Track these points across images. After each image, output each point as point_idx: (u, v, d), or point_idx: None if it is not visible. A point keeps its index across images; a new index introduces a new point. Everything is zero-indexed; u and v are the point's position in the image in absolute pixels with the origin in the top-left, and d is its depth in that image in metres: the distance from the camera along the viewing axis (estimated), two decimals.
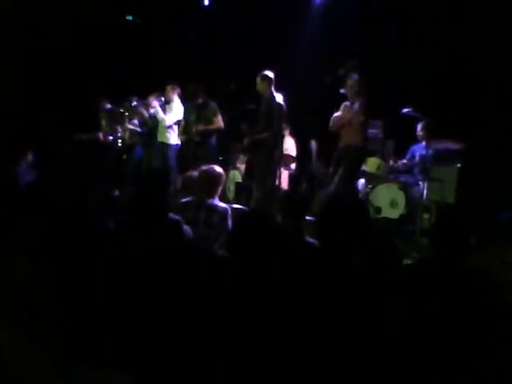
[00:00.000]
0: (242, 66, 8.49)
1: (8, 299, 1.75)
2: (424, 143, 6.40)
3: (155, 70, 8.62)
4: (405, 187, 6.38)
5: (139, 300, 2.36)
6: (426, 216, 6.10)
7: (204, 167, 4.26)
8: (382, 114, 6.70)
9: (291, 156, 7.64)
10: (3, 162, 4.90)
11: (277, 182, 6.17)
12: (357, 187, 6.41)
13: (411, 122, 6.42)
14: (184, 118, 7.40)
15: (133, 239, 2.72)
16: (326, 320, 1.99)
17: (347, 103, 6.02)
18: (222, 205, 4.06)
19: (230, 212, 4.03)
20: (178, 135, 7.43)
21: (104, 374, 1.77)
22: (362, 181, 6.61)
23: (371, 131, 6.45)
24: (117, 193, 5.04)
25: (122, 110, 8.11)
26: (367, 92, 5.92)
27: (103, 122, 8.30)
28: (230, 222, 3.97)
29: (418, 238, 5.88)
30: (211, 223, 3.89)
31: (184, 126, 7.39)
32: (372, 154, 6.75)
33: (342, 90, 5.90)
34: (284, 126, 6.60)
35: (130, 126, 8.13)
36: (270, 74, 6.21)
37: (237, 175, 8.27)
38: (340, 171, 5.91)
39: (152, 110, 7.58)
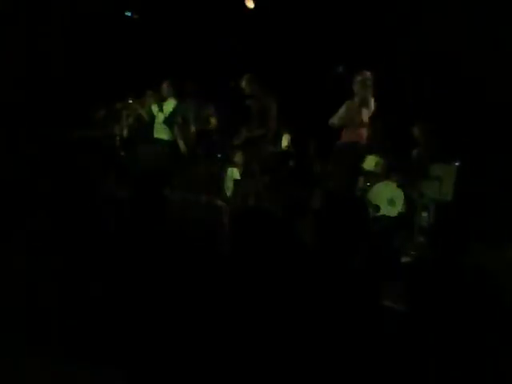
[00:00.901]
0: (241, 64, 8.49)
1: (8, 299, 1.75)
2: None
3: (151, 67, 8.61)
4: (403, 185, 6.38)
5: (140, 300, 2.36)
6: (424, 214, 6.11)
7: (201, 165, 4.27)
8: (381, 112, 6.69)
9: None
10: (3, 161, 4.89)
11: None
12: (356, 185, 6.38)
13: (409, 120, 6.43)
14: (181, 116, 7.38)
15: (132, 237, 2.71)
16: (324, 319, 1.98)
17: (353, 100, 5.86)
18: (219, 201, 4.06)
19: (226, 209, 4.03)
20: (176, 133, 7.42)
21: (104, 374, 1.77)
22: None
23: None
24: (116, 190, 5.03)
25: (119, 107, 8.10)
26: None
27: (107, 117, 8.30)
28: (226, 220, 3.97)
29: (416, 236, 5.88)
30: (208, 220, 3.89)
31: (182, 125, 7.37)
32: (371, 152, 6.76)
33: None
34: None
35: (128, 123, 8.13)
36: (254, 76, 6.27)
37: (235, 172, 8.26)
38: (339, 169, 5.86)
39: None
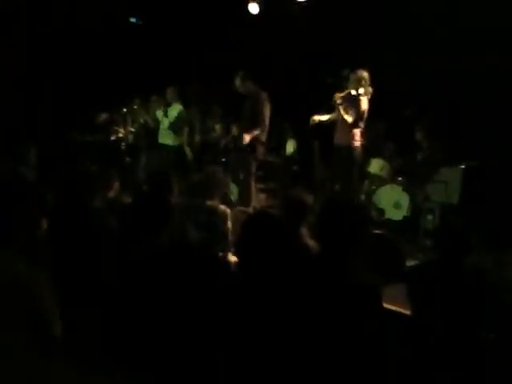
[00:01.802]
0: (242, 68, 8.50)
1: (8, 299, 1.75)
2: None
3: (156, 72, 8.63)
4: (408, 188, 6.37)
5: (143, 302, 2.36)
6: (429, 217, 6.08)
7: (206, 170, 4.26)
8: (383, 115, 6.68)
9: None
10: (5, 162, 4.91)
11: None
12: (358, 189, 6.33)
13: (413, 123, 6.41)
14: (188, 123, 7.38)
15: (136, 242, 2.71)
16: (326, 323, 1.98)
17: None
18: (223, 207, 4.05)
19: (230, 214, 4.03)
20: (183, 140, 7.42)
21: (104, 374, 1.77)
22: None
23: None
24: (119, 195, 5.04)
25: (124, 112, 8.13)
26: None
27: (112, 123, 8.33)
28: (230, 225, 3.97)
29: (421, 240, 5.86)
30: (212, 226, 3.88)
31: (188, 132, 7.36)
32: (376, 156, 6.75)
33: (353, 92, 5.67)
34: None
35: (133, 129, 8.15)
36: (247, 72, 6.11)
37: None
38: (341, 172, 5.79)
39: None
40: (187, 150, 7.46)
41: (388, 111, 6.63)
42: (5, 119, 7.56)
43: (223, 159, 7.38)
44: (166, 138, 7.42)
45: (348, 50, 7.29)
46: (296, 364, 1.96)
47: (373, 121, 6.51)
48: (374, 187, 6.61)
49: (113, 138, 8.22)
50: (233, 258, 3.75)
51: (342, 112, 5.69)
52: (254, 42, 8.75)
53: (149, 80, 8.26)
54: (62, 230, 2.93)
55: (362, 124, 5.72)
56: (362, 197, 6.69)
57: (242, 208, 5.70)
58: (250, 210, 5.66)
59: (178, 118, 7.36)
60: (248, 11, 8.40)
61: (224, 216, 3.96)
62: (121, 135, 8.19)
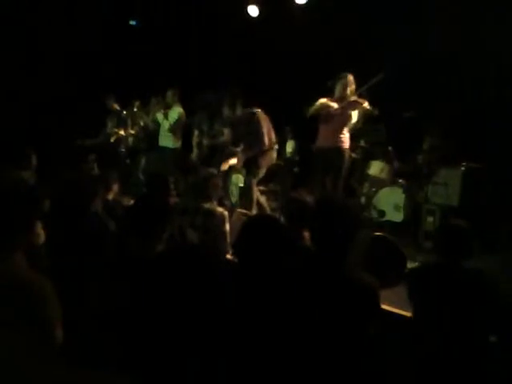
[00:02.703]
0: (243, 70, 8.52)
1: (10, 303, 1.75)
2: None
3: (156, 75, 8.63)
4: (408, 190, 6.36)
5: (142, 304, 2.35)
6: (429, 219, 6.08)
7: (202, 172, 4.27)
8: (384, 117, 6.68)
9: None
10: (7, 166, 4.92)
11: None
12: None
13: (413, 125, 6.41)
14: (197, 126, 7.37)
15: (135, 244, 2.71)
16: (324, 324, 1.97)
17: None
18: (220, 209, 4.06)
19: (227, 216, 4.04)
20: (194, 143, 7.41)
21: (104, 376, 1.77)
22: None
23: None
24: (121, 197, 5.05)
25: (125, 114, 8.14)
26: None
27: (109, 124, 8.30)
28: (227, 227, 3.98)
29: (421, 242, 5.86)
30: (209, 227, 3.89)
31: (197, 137, 7.35)
32: (376, 158, 6.75)
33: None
34: None
35: (132, 131, 8.15)
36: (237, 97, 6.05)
37: (240, 179, 8.25)
38: (331, 174, 5.70)
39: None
40: (195, 153, 7.47)
41: (388, 113, 6.62)
42: (5, 123, 7.57)
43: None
44: (166, 141, 7.42)
45: (347, 51, 7.30)
46: (295, 364, 1.95)
47: (373, 123, 6.51)
48: (374, 189, 6.61)
49: (113, 140, 8.21)
50: (231, 260, 3.77)
51: (363, 107, 5.56)
52: (254, 44, 8.76)
53: (149, 82, 8.27)
54: (60, 232, 2.93)
55: (348, 128, 5.74)
56: (363, 199, 6.70)
57: (244, 211, 5.71)
58: (253, 212, 5.66)
59: (178, 120, 7.36)
60: (248, 13, 8.44)
61: (222, 218, 3.97)
62: (121, 138, 8.18)
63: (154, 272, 2.30)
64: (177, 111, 7.40)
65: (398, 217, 6.30)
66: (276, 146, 6.09)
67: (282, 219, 3.72)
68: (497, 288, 2.75)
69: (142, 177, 7.52)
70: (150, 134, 7.76)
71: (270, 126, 5.98)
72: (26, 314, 1.73)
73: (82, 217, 3.11)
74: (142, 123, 8.00)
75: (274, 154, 6.09)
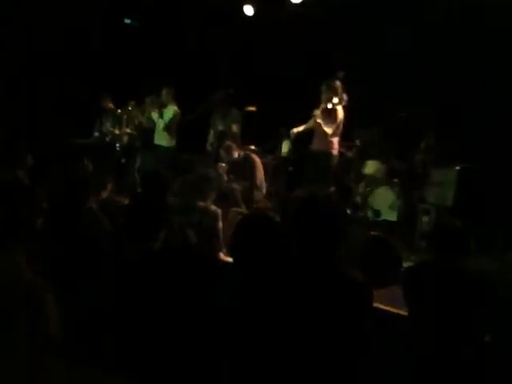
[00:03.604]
0: (239, 70, 8.51)
1: (8, 301, 1.75)
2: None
3: (151, 73, 8.61)
4: (404, 190, 6.38)
5: (141, 303, 2.35)
6: (425, 219, 6.10)
7: (199, 171, 4.29)
8: (381, 117, 6.69)
9: None
10: (3, 165, 4.91)
11: None
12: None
13: (409, 126, 6.43)
14: (212, 128, 7.36)
15: (132, 243, 2.70)
16: (316, 323, 1.97)
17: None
18: (213, 207, 4.09)
19: (220, 214, 4.08)
20: (209, 143, 7.39)
21: (106, 376, 1.77)
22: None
23: None
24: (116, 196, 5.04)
25: (120, 113, 8.11)
26: None
27: (106, 124, 8.27)
28: (220, 225, 4.02)
29: (417, 241, 5.87)
30: (203, 226, 3.92)
31: (212, 137, 7.33)
32: (371, 158, 6.76)
33: None
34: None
35: (128, 130, 8.13)
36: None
37: None
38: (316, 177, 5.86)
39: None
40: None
41: (383, 113, 6.64)
42: (2, 122, 7.54)
43: None
44: (162, 139, 7.41)
45: (344, 52, 7.30)
46: (289, 363, 1.95)
47: (368, 123, 6.52)
48: (369, 189, 6.62)
49: (108, 139, 8.19)
50: (225, 258, 3.80)
51: (319, 124, 5.82)
52: (250, 44, 8.75)
53: (144, 81, 8.24)
54: (56, 230, 2.92)
55: (338, 132, 5.90)
56: (358, 198, 6.70)
57: (239, 209, 5.71)
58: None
59: (173, 119, 7.35)
60: (243, 13, 8.43)
61: (215, 216, 4.01)
62: (116, 137, 8.16)
63: (150, 271, 2.30)
64: (172, 110, 7.38)
65: (393, 216, 6.31)
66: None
67: (278, 218, 3.72)
68: (491, 287, 2.76)
69: (137, 176, 7.50)
70: (145, 133, 7.75)
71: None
72: (24, 313, 1.72)
73: (77, 216, 3.10)
74: (137, 122, 7.98)
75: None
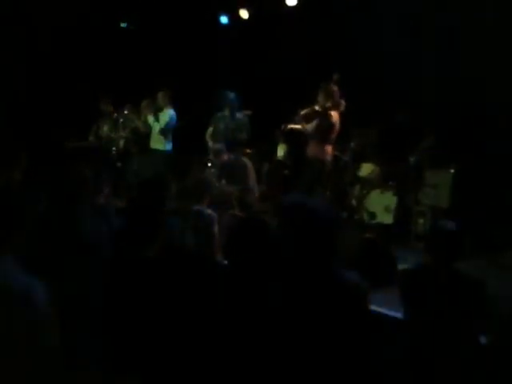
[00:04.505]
0: (239, 74, 8.52)
1: (5, 308, 1.75)
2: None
3: (147, 77, 8.61)
4: (399, 192, 6.39)
5: (139, 305, 2.36)
6: (420, 221, 6.12)
7: (195, 174, 4.31)
8: (376, 120, 6.71)
9: None
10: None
11: None
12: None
13: (405, 128, 6.45)
14: (213, 126, 7.28)
15: (131, 246, 2.71)
16: (310, 325, 1.98)
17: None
18: (209, 210, 4.10)
19: (216, 218, 4.09)
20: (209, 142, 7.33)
21: (106, 376, 1.77)
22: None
23: None
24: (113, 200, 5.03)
25: (116, 117, 8.12)
26: None
27: (105, 128, 8.25)
28: (216, 228, 4.03)
29: (412, 243, 5.89)
30: (199, 229, 3.93)
31: (212, 135, 7.25)
32: (367, 160, 6.78)
33: None
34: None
35: (124, 134, 8.13)
36: None
37: None
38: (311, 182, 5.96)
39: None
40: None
41: (379, 116, 6.65)
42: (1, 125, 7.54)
43: None
44: (158, 143, 7.42)
45: (341, 54, 7.32)
46: (284, 366, 1.96)
47: (364, 126, 6.54)
48: (364, 191, 6.64)
49: (104, 142, 8.19)
50: (220, 261, 3.80)
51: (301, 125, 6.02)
52: (245, 47, 8.77)
53: (140, 85, 8.25)
54: (52, 234, 2.92)
55: (332, 137, 5.98)
56: (353, 201, 6.72)
57: (235, 212, 5.72)
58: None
59: (170, 122, 7.36)
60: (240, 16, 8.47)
61: (211, 219, 4.02)
62: (112, 141, 8.15)
63: (149, 274, 2.30)
64: (168, 113, 7.39)
65: (388, 219, 6.33)
66: None
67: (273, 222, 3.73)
68: (486, 289, 2.78)
69: (133, 179, 7.48)
70: (142, 137, 7.74)
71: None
72: (21, 315, 1.73)
73: (74, 219, 3.10)
74: (133, 126, 7.97)
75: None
